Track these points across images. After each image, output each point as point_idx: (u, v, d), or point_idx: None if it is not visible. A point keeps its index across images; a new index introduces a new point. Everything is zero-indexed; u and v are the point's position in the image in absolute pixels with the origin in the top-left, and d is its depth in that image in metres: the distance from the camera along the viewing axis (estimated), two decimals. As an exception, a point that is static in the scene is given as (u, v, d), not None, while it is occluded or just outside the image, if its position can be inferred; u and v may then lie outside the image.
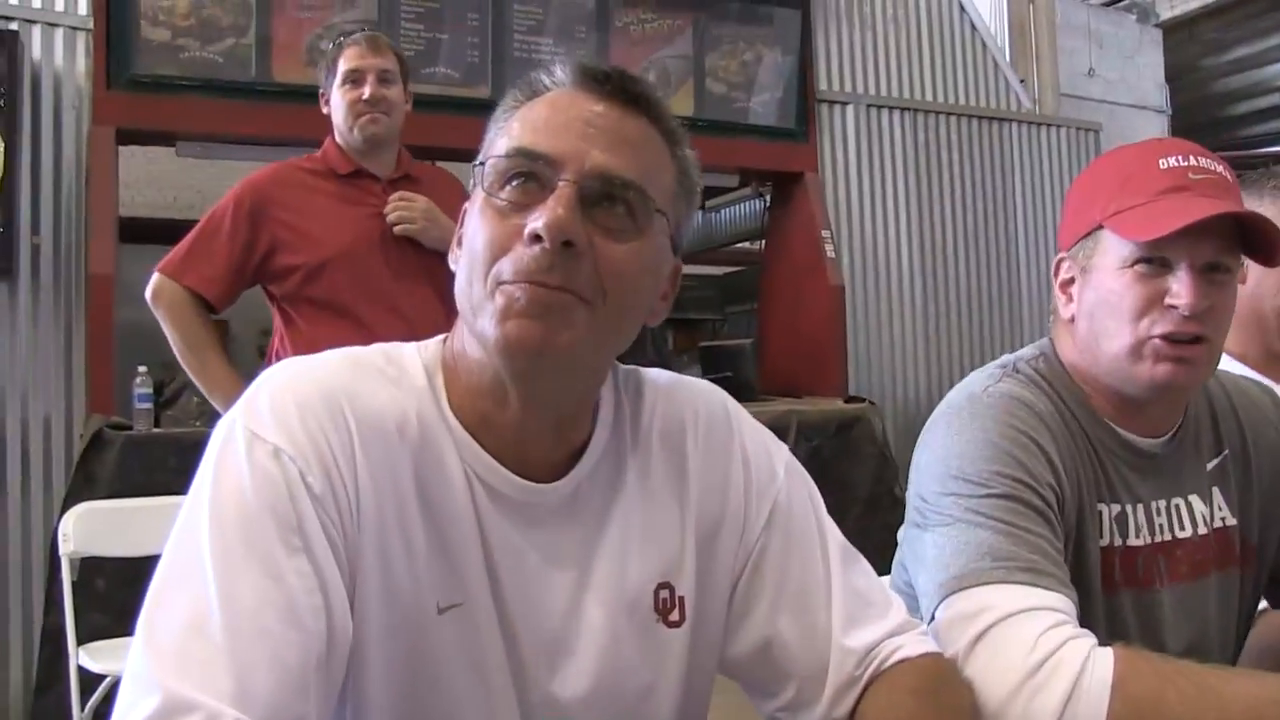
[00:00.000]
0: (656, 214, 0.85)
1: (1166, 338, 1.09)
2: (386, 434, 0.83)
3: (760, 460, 0.98)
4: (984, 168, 5.26)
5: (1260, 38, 10.98)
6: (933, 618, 1.01)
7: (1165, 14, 11.17)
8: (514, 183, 0.83)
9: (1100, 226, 1.13)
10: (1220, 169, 1.12)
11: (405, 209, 2.41)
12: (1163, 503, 1.17)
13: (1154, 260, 1.09)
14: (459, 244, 0.90)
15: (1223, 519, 1.21)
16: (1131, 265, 1.10)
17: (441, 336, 0.92)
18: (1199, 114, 11.60)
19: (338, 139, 2.47)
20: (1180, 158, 1.11)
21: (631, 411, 0.95)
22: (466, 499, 0.84)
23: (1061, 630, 0.93)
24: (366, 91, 2.37)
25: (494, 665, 0.85)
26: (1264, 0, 10.24)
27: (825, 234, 4.52)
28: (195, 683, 0.69)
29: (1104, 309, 1.13)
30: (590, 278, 0.81)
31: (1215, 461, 1.22)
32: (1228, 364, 1.63)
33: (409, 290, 2.40)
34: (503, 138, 0.86)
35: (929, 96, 5.20)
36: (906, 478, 1.20)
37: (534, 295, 0.79)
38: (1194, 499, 1.20)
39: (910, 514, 1.14)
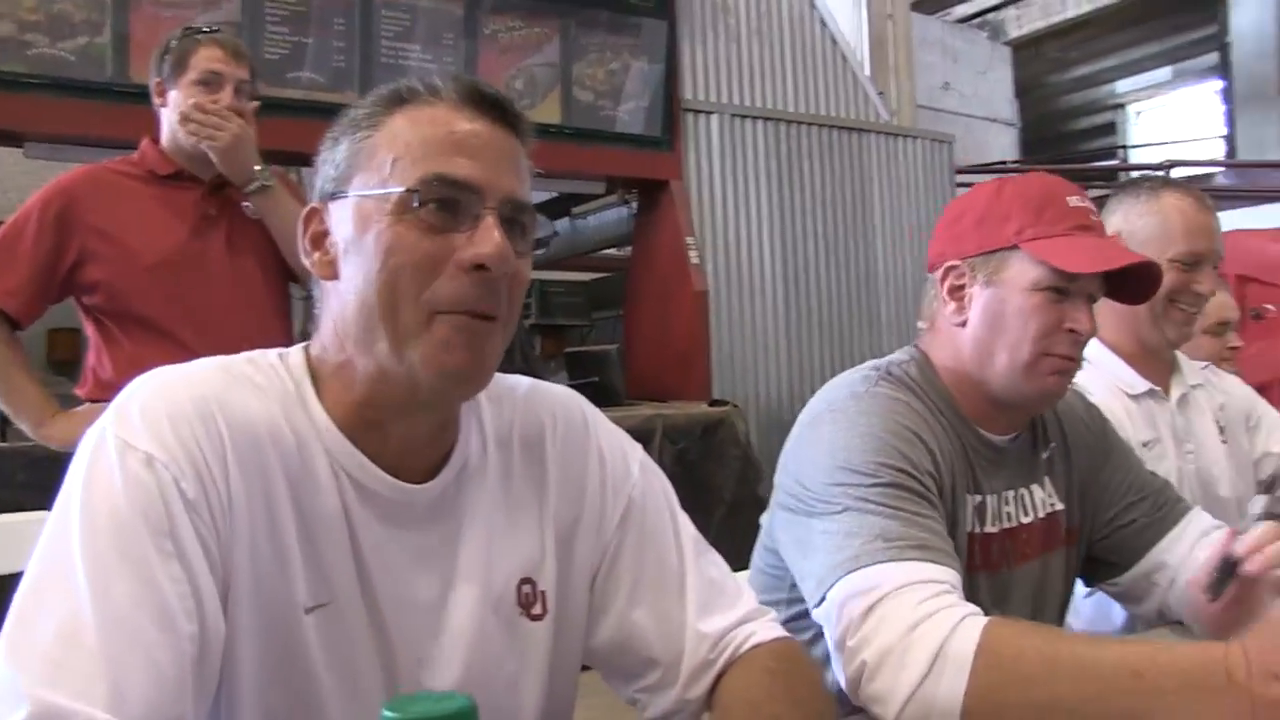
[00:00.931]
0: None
1: (1062, 357, 1.24)
2: (258, 440, 0.85)
3: (616, 460, 1.04)
4: (844, 176, 5.43)
5: (1096, 59, 11.65)
6: (823, 598, 1.09)
7: (1014, 32, 11.73)
8: (431, 206, 0.84)
9: (1015, 246, 1.24)
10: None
11: (217, 120, 2.15)
12: (1011, 493, 1.32)
13: (1061, 289, 1.23)
14: (313, 248, 0.90)
15: (1052, 505, 1.36)
16: (1043, 289, 1.23)
17: (303, 344, 0.94)
18: (1045, 128, 12.23)
19: (165, 138, 2.24)
20: (1079, 198, 1.26)
21: (494, 416, 0.99)
22: (336, 502, 0.87)
23: (939, 599, 1.03)
24: (225, 100, 2.17)
25: (364, 661, 0.88)
26: (1100, 24, 10.87)
27: (690, 241, 4.60)
28: (67, 691, 0.69)
29: (1008, 322, 1.25)
30: (505, 297, 0.87)
31: (1046, 454, 1.38)
32: (1106, 356, 1.78)
33: (235, 307, 2.19)
34: (400, 158, 0.85)
35: (791, 107, 5.34)
36: (770, 476, 1.30)
37: (473, 328, 0.84)
38: (1034, 488, 1.35)
39: (786, 501, 1.22)
